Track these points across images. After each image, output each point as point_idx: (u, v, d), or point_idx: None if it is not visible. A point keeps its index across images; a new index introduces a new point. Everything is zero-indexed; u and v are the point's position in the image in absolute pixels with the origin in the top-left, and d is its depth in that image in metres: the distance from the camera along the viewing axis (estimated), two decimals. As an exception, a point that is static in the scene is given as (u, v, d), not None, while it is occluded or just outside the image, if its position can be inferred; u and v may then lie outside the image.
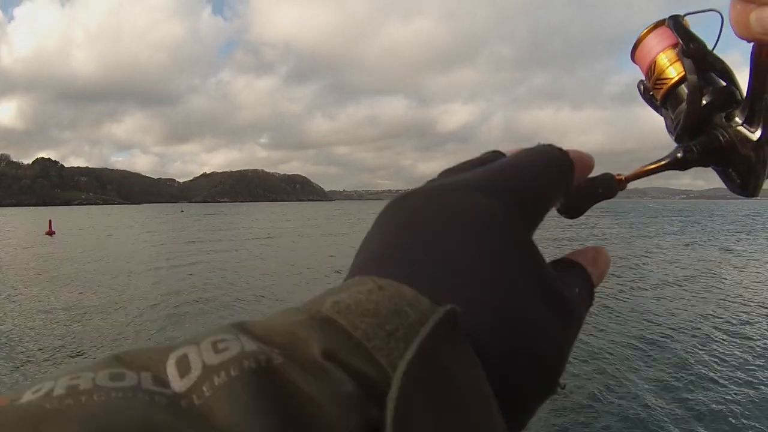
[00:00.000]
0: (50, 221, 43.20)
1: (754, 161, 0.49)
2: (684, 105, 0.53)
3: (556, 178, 0.39)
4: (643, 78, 0.58)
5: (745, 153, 0.49)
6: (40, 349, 9.73)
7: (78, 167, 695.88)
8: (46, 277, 18.96)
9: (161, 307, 13.66)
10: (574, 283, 0.37)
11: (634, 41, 0.58)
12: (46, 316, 12.51)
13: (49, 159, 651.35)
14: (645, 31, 0.57)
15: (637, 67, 0.59)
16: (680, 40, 0.53)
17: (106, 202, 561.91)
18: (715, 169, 0.54)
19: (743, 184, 0.51)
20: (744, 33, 0.40)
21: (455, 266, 0.32)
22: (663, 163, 0.53)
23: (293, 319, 0.29)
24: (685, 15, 0.56)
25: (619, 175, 0.50)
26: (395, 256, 0.33)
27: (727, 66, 0.54)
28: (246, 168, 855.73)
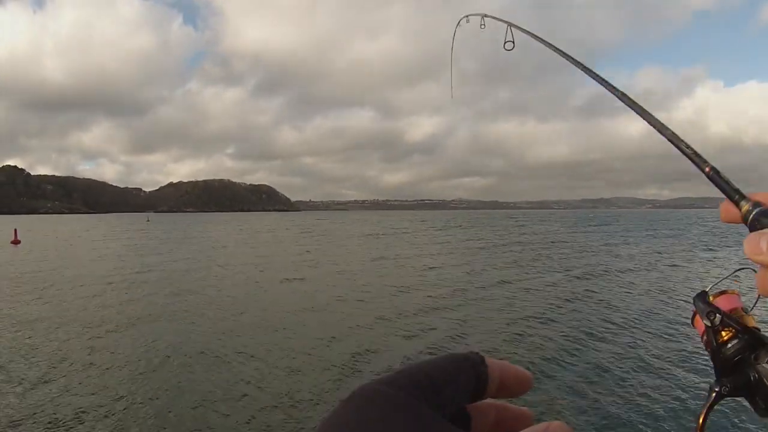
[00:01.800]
0: (15, 230, 45.25)
1: None
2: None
3: (456, 373, 0.47)
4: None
5: None
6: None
7: (44, 175, 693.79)
8: (9, 287, 20.27)
9: (126, 317, 14.71)
10: None
11: (691, 314, 0.72)
12: (6, 327, 13.57)
13: (15, 167, 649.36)
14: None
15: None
16: (705, 321, 0.67)
17: (72, 211, 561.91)
18: (746, 398, 0.65)
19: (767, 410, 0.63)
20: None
21: None
22: (708, 404, 0.66)
23: None
24: (719, 281, 0.71)
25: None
26: None
27: (750, 322, 0.67)
28: (212, 178, 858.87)
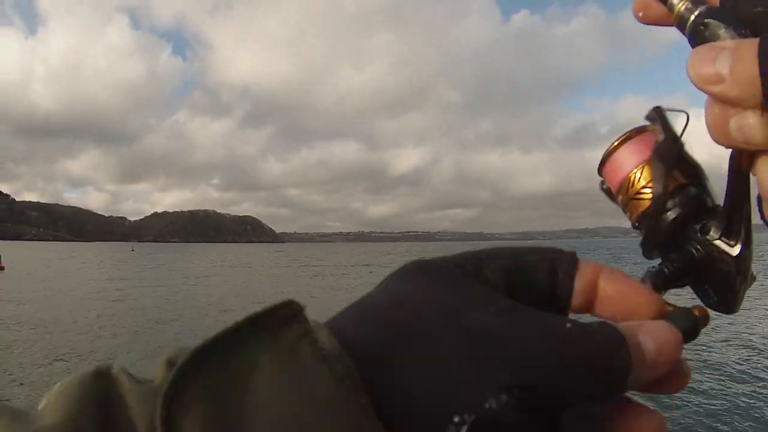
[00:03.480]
0: None
1: (734, 277, 0.45)
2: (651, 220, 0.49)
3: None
4: (612, 191, 0.53)
5: (724, 269, 0.45)
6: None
7: (29, 202, 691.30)
8: None
9: (108, 343, 14.43)
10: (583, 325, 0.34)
11: (602, 155, 0.52)
12: None
13: (0, 192, 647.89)
14: (616, 143, 0.51)
15: (602, 178, 0.54)
16: (663, 136, 0.47)
17: (56, 239, 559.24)
18: (691, 287, 0.49)
19: (722, 301, 0.47)
20: (723, 140, 0.36)
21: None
22: None
23: None
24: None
25: (700, 309, 0.44)
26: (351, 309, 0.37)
27: (700, 169, 0.48)
28: (198, 208, 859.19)
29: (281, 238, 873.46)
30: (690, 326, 0.41)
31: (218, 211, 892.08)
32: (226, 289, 31.58)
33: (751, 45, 0.32)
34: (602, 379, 0.33)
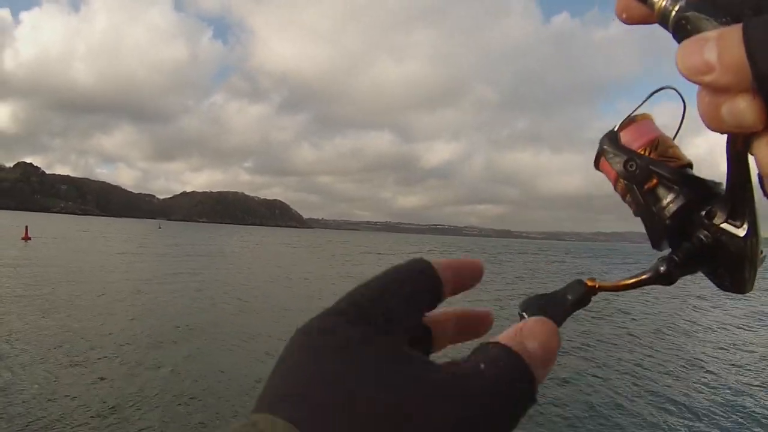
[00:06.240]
0: (27, 227, 44.58)
1: (744, 258, 0.46)
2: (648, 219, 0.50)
3: (405, 285, 0.42)
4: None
5: (733, 251, 0.46)
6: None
7: (60, 175, 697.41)
8: (16, 281, 19.35)
9: (125, 322, 13.75)
10: (477, 360, 0.37)
11: (597, 149, 0.53)
12: (6, 317, 12.96)
13: (31, 164, 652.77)
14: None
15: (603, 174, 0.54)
16: (616, 168, 0.50)
17: (85, 213, 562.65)
18: (703, 272, 0.49)
19: (735, 282, 0.47)
20: (716, 126, 0.36)
21: (313, 393, 0.34)
22: (644, 277, 0.49)
23: None
24: (643, 102, 0.52)
25: (591, 281, 0.49)
26: (272, 391, 0.35)
27: (681, 156, 0.50)
28: (227, 189, 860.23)
29: (308, 224, 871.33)
30: (582, 295, 0.47)
31: (247, 193, 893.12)
32: (245, 271, 30.33)
33: (735, 31, 0.33)
34: (525, 399, 0.36)
